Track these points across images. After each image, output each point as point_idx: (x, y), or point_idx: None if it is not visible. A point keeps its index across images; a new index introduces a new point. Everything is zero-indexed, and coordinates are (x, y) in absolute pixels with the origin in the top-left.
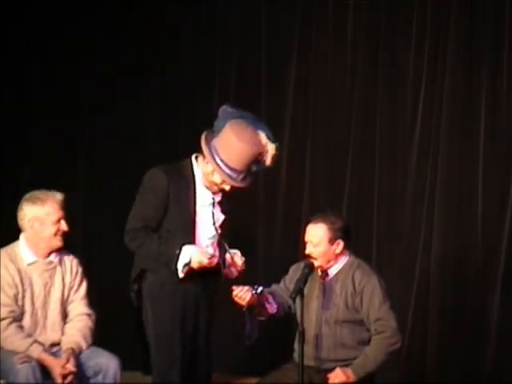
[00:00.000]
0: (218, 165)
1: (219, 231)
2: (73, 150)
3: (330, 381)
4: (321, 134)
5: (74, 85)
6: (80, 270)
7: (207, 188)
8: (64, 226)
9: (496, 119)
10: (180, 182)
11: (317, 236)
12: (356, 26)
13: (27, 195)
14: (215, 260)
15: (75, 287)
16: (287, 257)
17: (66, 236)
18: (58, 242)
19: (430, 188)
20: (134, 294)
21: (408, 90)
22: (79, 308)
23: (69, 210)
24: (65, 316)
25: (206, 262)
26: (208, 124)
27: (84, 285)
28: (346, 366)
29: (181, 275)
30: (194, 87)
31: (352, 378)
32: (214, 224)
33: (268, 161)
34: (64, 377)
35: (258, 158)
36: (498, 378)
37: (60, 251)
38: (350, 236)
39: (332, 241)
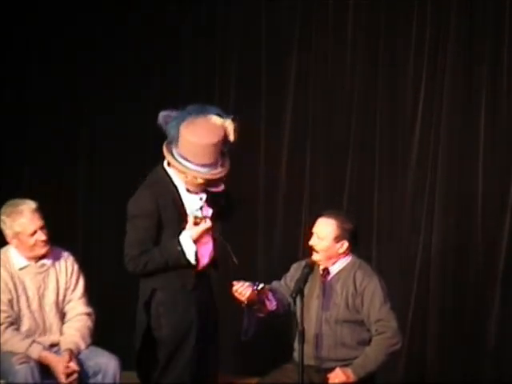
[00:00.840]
0: (195, 170)
1: (210, 223)
2: (73, 150)
3: (330, 381)
4: (321, 134)
5: (74, 85)
6: (76, 268)
7: (191, 192)
8: (41, 236)
9: (496, 119)
10: (165, 196)
11: (324, 230)
12: (356, 26)
13: (3, 208)
14: (208, 221)
15: (72, 287)
16: (287, 256)
17: (48, 243)
18: (40, 251)
19: (429, 188)
20: (144, 309)
21: (408, 89)
22: (78, 307)
23: (69, 210)
24: (63, 317)
25: (209, 225)
26: None
27: (81, 283)
28: (346, 365)
29: (194, 263)
30: (194, 87)
31: (352, 377)
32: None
33: (231, 137)
34: (67, 375)
35: (223, 141)
36: (498, 378)
37: (55, 250)
38: (356, 240)
39: (337, 239)
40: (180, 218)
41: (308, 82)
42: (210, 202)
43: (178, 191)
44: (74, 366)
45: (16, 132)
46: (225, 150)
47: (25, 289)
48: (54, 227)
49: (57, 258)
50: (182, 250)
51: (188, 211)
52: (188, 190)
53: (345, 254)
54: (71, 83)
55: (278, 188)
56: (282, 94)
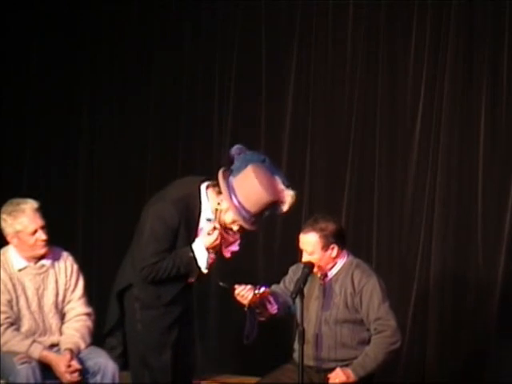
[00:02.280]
0: (234, 205)
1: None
2: (73, 149)
3: (331, 381)
4: (321, 134)
5: (74, 84)
6: (75, 268)
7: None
8: (41, 235)
9: (496, 119)
10: (189, 216)
11: (309, 245)
12: (356, 26)
13: (4, 206)
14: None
15: (71, 287)
16: (287, 257)
17: (48, 243)
18: (40, 251)
19: (429, 188)
20: (117, 304)
21: (408, 89)
22: (77, 308)
23: (69, 210)
24: (62, 317)
25: (213, 237)
26: (207, 125)
27: (81, 283)
28: (346, 365)
29: (206, 271)
30: (194, 87)
31: (352, 377)
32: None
33: (284, 208)
34: (70, 374)
35: (273, 205)
36: (497, 377)
37: (54, 250)
38: (343, 238)
39: (325, 247)
40: (189, 239)
41: (308, 81)
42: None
43: (199, 216)
44: (76, 364)
45: (16, 132)
46: (266, 213)
47: (24, 289)
48: (54, 227)
49: (56, 259)
50: (194, 256)
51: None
52: (209, 220)
53: (339, 255)
54: (71, 82)
55: None
56: (282, 94)
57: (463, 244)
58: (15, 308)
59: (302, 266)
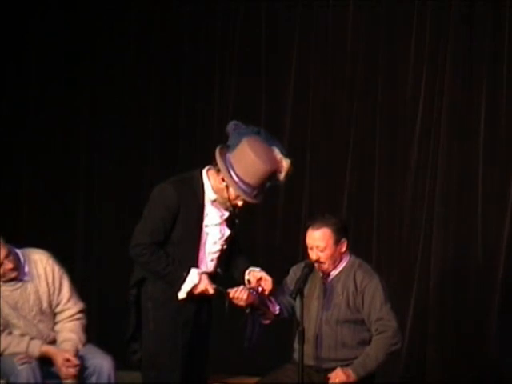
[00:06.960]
0: (233, 180)
1: (224, 246)
2: (73, 149)
3: (331, 380)
4: (321, 134)
5: (74, 83)
6: (56, 269)
7: (216, 207)
8: (7, 265)
9: (496, 119)
10: (190, 199)
11: (323, 240)
12: (356, 27)
13: None
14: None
15: (56, 291)
16: (287, 257)
17: (16, 267)
18: (10, 276)
19: (429, 188)
20: (133, 297)
21: (408, 89)
22: (69, 309)
23: (69, 210)
24: (54, 319)
25: (211, 292)
26: (207, 125)
27: (65, 283)
28: (347, 365)
29: (182, 296)
30: (194, 87)
31: (352, 377)
32: (220, 238)
33: (282, 176)
34: (67, 368)
35: (273, 175)
36: (498, 377)
37: (29, 256)
38: (347, 231)
39: (337, 242)
40: (195, 224)
41: (308, 81)
42: (228, 222)
43: (204, 199)
44: (74, 359)
45: (15, 130)
46: (267, 185)
47: (5, 307)
48: (54, 227)
49: (31, 270)
50: (184, 277)
51: (205, 222)
52: (213, 202)
53: (345, 252)
54: (71, 81)
55: (278, 188)
56: (283, 94)
57: (463, 244)
58: (2, 320)
59: (302, 266)
